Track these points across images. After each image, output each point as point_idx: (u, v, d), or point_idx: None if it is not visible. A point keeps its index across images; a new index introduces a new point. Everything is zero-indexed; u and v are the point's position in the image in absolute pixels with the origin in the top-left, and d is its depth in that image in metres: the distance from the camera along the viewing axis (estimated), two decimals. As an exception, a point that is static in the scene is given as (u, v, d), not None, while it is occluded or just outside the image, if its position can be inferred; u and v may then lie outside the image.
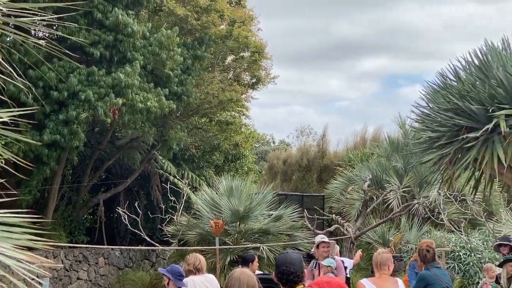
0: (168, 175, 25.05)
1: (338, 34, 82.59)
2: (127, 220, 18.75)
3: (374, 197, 22.96)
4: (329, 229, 22.00)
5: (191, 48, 23.38)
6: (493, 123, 8.42)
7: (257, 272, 10.90)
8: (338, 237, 21.16)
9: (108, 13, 19.91)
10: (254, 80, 27.92)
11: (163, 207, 20.76)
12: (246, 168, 30.23)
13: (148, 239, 18.98)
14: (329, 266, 10.35)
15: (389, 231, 22.43)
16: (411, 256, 17.14)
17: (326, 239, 11.56)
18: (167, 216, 19.54)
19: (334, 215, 22.40)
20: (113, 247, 23.11)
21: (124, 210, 18.86)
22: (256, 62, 27.05)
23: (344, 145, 33.24)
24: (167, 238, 19.24)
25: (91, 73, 19.52)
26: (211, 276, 9.00)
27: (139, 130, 22.02)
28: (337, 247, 12.70)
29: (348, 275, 11.68)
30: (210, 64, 26.01)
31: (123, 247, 23.34)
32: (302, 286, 5.36)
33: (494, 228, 19.53)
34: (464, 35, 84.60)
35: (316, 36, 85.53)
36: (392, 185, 23.22)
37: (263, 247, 17.72)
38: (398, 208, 22.35)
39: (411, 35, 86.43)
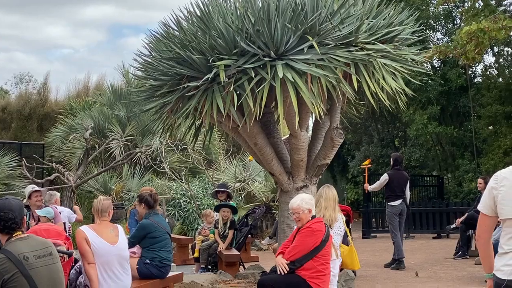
0: None
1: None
2: None
3: (96, 146, 22.74)
4: (49, 177, 21.50)
5: None
6: (213, 73, 8.62)
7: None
8: (58, 186, 20.77)
9: None
10: (-33, 22, 26.32)
11: None
12: (-42, 116, 28.46)
13: None
14: (46, 216, 10.04)
15: (111, 179, 22.41)
16: (132, 204, 17.27)
17: (37, 188, 11.22)
18: None
19: (54, 164, 21.84)
20: None
21: None
22: (-29, 3, 25.50)
23: (66, 94, 32.46)
24: None
25: None
26: None
27: None
28: (57, 195, 12.36)
29: (64, 221, 11.46)
30: None
31: None
32: (21, 232, 5.16)
33: (213, 176, 20.27)
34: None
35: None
36: (115, 134, 23.15)
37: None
38: (120, 156, 22.39)
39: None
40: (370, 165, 16.43)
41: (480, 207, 4.57)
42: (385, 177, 13.67)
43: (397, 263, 13.12)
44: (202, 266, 12.81)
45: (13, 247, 5.04)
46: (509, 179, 4.44)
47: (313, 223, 7.43)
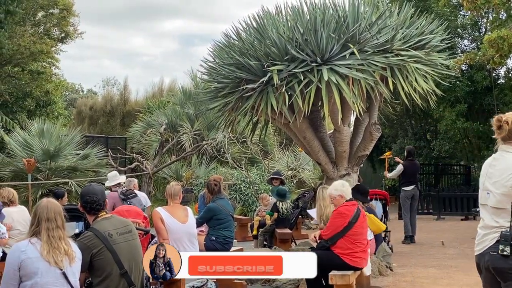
0: (-20, 118, 23.46)
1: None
2: None
3: (170, 139, 23.02)
4: (130, 166, 21.84)
5: (4, 3, 21.75)
6: (267, 76, 8.64)
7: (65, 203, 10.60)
8: (138, 173, 21.08)
9: None
10: (63, 35, 27.05)
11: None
12: (57, 113, 28.90)
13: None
14: None
15: (182, 167, 22.65)
16: (201, 189, 17.41)
17: (118, 181, 11.28)
18: (-20, 156, 18.42)
19: (135, 154, 22.20)
20: None
21: None
22: (65, 19, 26.19)
23: (144, 94, 33.02)
24: (-20, 176, 18.19)
25: None
26: (23, 207, 8.70)
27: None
28: (135, 181, 12.50)
29: (145, 205, 11.59)
30: (22, 18, 24.51)
31: None
32: (105, 213, 5.28)
33: (269, 165, 20.29)
34: (245, 1, 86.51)
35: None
36: (185, 129, 23.41)
37: (71, 182, 17.38)
38: (190, 148, 22.64)
39: (205, 0, 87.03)
40: (390, 156, 16.53)
41: None
42: (400, 167, 13.76)
43: (406, 238, 13.36)
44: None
45: (99, 226, 5.15)
46: None
47: (342, 206, 7.30)
